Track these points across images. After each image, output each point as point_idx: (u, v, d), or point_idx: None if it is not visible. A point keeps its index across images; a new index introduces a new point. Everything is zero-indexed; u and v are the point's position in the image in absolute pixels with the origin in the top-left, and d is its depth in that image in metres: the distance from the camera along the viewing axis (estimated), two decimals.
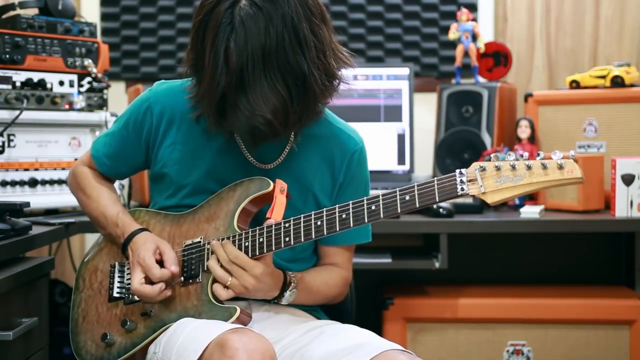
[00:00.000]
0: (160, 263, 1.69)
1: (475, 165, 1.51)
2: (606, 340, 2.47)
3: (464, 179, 1.50)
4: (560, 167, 1.44)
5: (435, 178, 1.52)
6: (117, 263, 1.80)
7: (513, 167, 1.47)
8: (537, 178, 1.46)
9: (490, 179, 1.49)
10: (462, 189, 1.50)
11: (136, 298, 1.73)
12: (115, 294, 1.78)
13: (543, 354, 2.50)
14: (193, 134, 1.77)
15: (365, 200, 1.56)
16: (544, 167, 1.46)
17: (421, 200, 1.52)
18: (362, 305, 2.14)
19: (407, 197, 1.53)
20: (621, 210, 2.38)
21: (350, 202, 1.58)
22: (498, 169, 1.49)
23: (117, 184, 2.44)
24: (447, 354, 2.52)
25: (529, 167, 1.47)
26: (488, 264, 2.94)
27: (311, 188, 1.79)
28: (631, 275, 2.81)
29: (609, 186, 2.45)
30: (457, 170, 1.51)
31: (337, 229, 1.58)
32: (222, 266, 1.64)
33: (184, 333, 1.58)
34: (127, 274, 1.76)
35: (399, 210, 1.54)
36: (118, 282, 1.79)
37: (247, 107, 1.54)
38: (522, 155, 1.50)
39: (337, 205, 1.59)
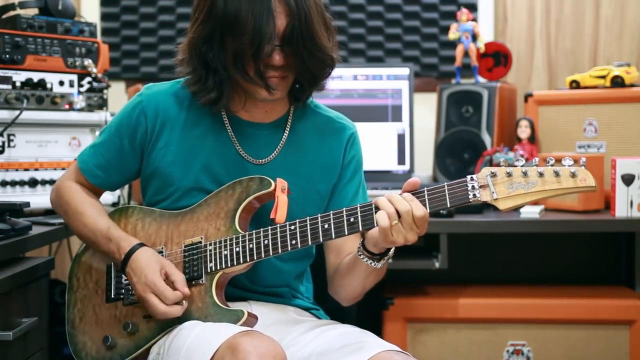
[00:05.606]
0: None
1: (486, 170, 1.50)
2: (606, 340, 2.47)
3: (476, 184, 1.50)
4: (573, 175, 1.44)
5: (445, 183, 1.52)
6: (113, 264, 1.79)
7: (525, 174, 1.47)
8: (549, 185, 1.46)
9: (502, 185, 1.49)
10: (474, 195, 1.50)
11: (136, 299, 1.72)
12: (113, 295, 1.77)
13: (543, 354, 2.50)
14: (186, 135, 1.76)
15: (373, 204, 1.55)
16: (557, 174, 1.45)
17: (432, 206, 1.53)
18: (363, 305, 2.13)
19: None
20: (621, 210, 2.38)
21: (358, 205, 1.58)
22: (509, 175, 1.48)
23: None
24: (447, 354, 2.52)
25: (541, 174, 1.46)
26: (488, 264, 2.94)
27: (310, 180, 1.78)
28: (631, 275, 2.81)
29: (609, 186, 2.45)
30: (468, 176, 1.51)
31: (346, 233, 1.58)
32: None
33: (192, 334, 1.57)
34: (125, 278, 1.74)
35: None
36: (115, 282, 1.78)
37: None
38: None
39: (344, 209, 1.58)
